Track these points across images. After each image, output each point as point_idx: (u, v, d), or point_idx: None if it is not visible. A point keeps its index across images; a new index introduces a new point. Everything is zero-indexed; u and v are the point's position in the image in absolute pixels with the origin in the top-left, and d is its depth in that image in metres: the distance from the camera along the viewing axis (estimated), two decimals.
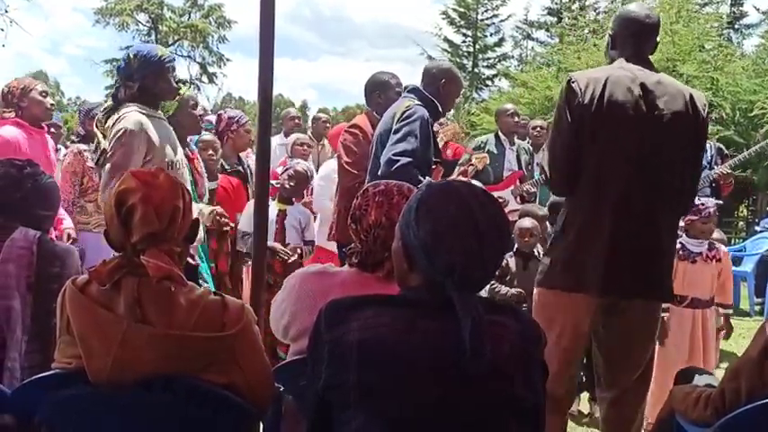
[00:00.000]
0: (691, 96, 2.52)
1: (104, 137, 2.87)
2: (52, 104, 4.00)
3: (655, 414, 2.81)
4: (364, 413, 1.29)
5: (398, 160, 3.28)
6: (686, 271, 3.57)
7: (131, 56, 2.93)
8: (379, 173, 3.36)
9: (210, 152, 3.98)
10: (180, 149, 3.09)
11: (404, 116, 3.41)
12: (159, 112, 3.06)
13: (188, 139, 3.62)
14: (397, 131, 3.39)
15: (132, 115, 2.83)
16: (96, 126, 2.95)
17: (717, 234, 4.12)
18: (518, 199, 5.38)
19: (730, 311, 3.80)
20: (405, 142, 3.33)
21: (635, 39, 2.58)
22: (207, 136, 4.05)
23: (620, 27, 2.62)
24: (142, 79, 2.91)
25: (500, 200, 5.11)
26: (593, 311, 2.54)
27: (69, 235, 3.61)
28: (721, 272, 3.70)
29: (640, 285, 2.51)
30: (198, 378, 1.58)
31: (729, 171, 5.40)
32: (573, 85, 2.49)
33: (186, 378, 1.57)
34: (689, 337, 3.60)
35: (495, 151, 5.55)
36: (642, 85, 2.46)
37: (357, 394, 1.29)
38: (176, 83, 3.03)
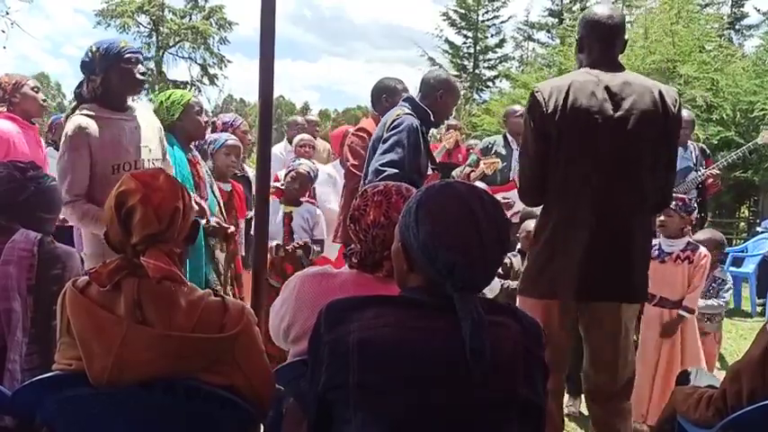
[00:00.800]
0: (660, 93, 2.51)
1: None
2: (44, 100, 3.97)
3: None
4: (365, 414, 1.29)
5: (385, 170, 3.30)
6: (655, 270, 3.53)
7: (93, 50, 2.84)
8: (366, 181, 3.39)
9: (234, 158, 3.93)
10: (153, 149, 3.00)
11: (392, 126, 3.43)
12: (130, 109, 2.95)
13: (193, 143, 3.60)
14: (385, 141, 3.41)
15: (74, 119, 2.79)
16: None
17: (705, 235, 4.10)
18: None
19: (687, 316, 3.62)
20: (392, 152, 3.35)
21: (600, 41, 2.57)
22: (232, 141, 4.01)
23: (585, 30, 2.61)
24: (104, 73, 2.82)
25: (506, 201, 5.12)
26: (568, 317, 2.57)
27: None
28: (694, 273, 3.60)
29: (613, 290, 2.52)
30: (198, 379, 1.58)
31: (716, 173, 5.37)
32: (537, 95, 2.52)
33: (187, 379, 1.57)
34: (657, 336, 3.59)
35: (503, 152, 5.55)
36: (607, 88, 2.46)
37: (357, 395, 1.29)
38: (140, 74, 2.89)
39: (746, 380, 1.82)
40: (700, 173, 5.31)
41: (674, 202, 3.62)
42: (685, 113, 5.96)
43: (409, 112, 3.51)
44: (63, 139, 2.80)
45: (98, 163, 2.78)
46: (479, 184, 5.21)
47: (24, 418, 1.68)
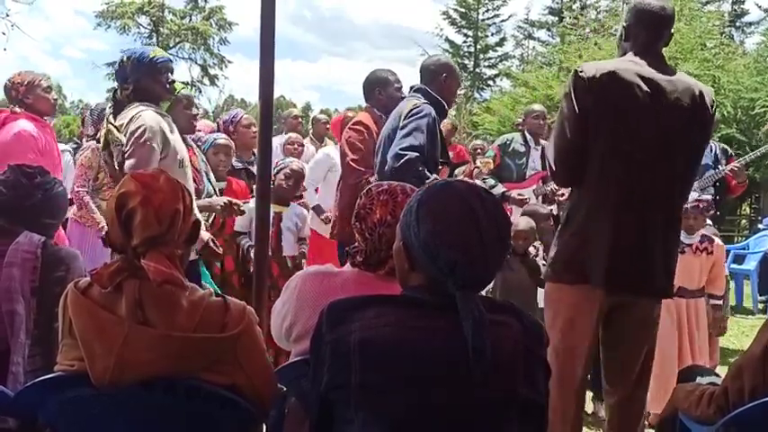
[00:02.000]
0: (700, 92, 2.49)
1: (117, 130, 2.89)
2: (55, 99, 4.00)
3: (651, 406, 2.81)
4: (366, 413, 1.29)
5: (405, 155, 3.29)
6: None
7: (125, 58, 2.96)
8: (386, 168, 3.37)
9: (222, 157, 3.96)
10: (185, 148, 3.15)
11: (411, 113, 3.42)
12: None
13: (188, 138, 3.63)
14: (404, 127, 3.40)
15: (149, 113, 2.88)
16: (108, 122, 2.96)
17: (709, 230, 4.12)
18: (540, 198, 5.38)
19: (720, 302, 3.84)
20: (411, 137, 3.35)
21: (648, 31, 2.53)
22: (221, 140, 4.03)
23: (634, 18, 2.56)
24: (136, 81, 2.94)
25: (521, 197, 5.14)
26: (599, 305, 2.51)
27: None
28: (714, 265, 3.76)
29: (643, 282, 2.49)
30: (200, 379, 1.58)
31: (740, 167, 5.38)
32: (581, 74, 2.45)
33: (188, 379, 1.57)
34: (677, 326, 3.62)
35: (521, 150, 5.56)
36: (650, 79, 2.43)
37: (359, 394, 1.29)
38: (170, 83, 3.04)
39: (748, 377, 1.82)
40: (718, 170, 5.33)
41: (701, 204, 3.66)
42: None
43: (425, 101, 3.51)
44: (137, 132, 2.83)
45: (167, 159, 2.89)
46: (495, 184, 5.28)
47: (27, 420, 1.69)
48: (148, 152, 2.83)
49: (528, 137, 5.61)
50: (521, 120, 6.11)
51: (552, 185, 5.39)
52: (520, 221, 3.90)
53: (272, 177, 4.14)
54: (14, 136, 3.63)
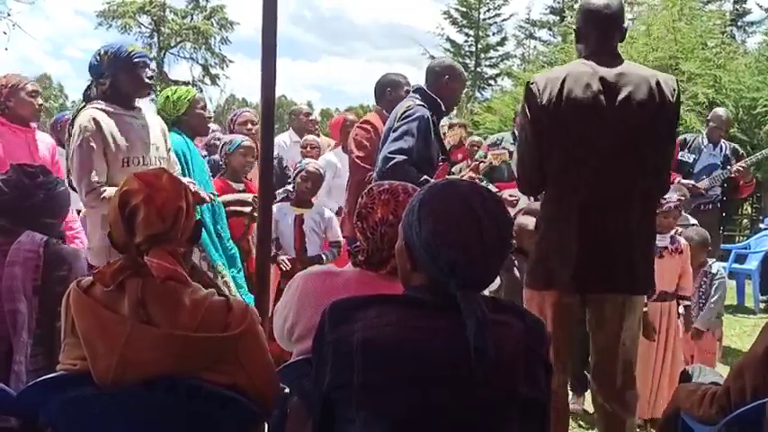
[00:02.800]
0: (657, 82, 2.49)
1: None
2: (41, 105, 3.91)
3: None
4: (368, 412, 1.29)
5: (393, 158, 3.34)
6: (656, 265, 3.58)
7: (102, 52, 2.89)
8: (375, 170, 3.44)
9: (249, 158, 3.96)
10: (160, 148, 3.03)
11: (403, 115, 3.47)
12: (138, 109, 2.99)
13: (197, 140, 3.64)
14: (395, 130, 3.44)
15: (87, 112, 2.81)
16: (68, 130, 2.91)
17: (693, 233, 4.09)
18: (532, 198, 5.36)
19: (689, 303, 3.84)
20: (401, 141, 3.39)
21: (597, 31, 2.56)
22: (247, 142, 4.01)
23: (582, 20, 2.60)
24: (113, 76, 2.87)
25: (512, 198, 5.13)
26: (567, 310, 2.56)
27: None
28: (684, 265, 3.75)
29: (613, 280, 2.51)
30: (202, 378, 1.58)
31: (746, 167, 5.37)
32: (531, 86, 2.52)
33: (191, 378, 1.57)
34: (658, 330, 3.61)
35: (512, 149, 5.56)
36: (602, 79, 2.46)
37: (361, 394, 1.29)
38: (148, 78, 2.94)
39: (750, 376, 1.82)
40: (726, 170, 5.33)
41: (674, 201, 3.65)
42: (722, 111, 5.99)
43: (420, 102, 3.54)
44: (77, 130, 2.80)
45: (108, 155, 2.82)
46: (486, 185, 5.24)
47: (29, 419, 1.69)
48: (85, 150, 2.76)
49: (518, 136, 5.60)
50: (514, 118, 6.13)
51: None
52: (528, 221, 3.87)
53: (292, 179, 4.20)
54: None
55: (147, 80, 2.93)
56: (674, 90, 2.53)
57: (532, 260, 2.65)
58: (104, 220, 2.73)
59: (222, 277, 3.39)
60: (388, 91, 4.10)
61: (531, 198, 5.27)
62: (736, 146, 5.93)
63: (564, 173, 2.50)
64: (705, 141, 5.68)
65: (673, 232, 3.76)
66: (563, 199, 2.52)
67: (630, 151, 2.47)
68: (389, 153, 3.37)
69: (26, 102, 3.75)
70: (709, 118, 5.93)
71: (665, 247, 3.67)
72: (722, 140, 5.70)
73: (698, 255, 3.97)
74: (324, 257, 4.10)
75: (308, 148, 5.60)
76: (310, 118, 6.52)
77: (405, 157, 3.33)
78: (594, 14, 2.56)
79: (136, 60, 2.88)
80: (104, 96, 2.87)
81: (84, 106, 2.89)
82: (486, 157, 5.42)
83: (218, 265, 3.39)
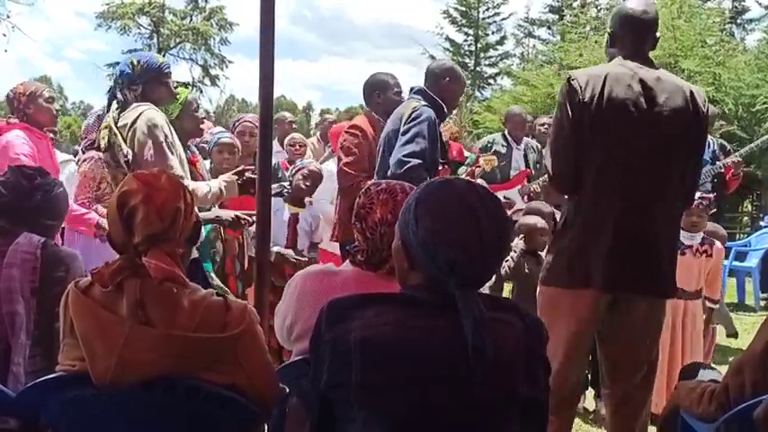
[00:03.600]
0: (691, 92, 2.52)
1: (119, 135, 2.93)
2: (57, 110, 4.01)
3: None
4: (367, 412, 1.29)
5: (409, 161, 3.30)
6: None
7: (135, 62, 3.05)
8: (388, 173, 3.37)
9: (226, 155, 3.93)
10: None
11: (411, 117, 3.43)
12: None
13: (192, 141, 3.64)
14: (405, 132, 3.40)
15: (154, 112, 2.96)
16: (110, 124, 2.99)
17: (712, 228, 4.11)
18: (525, 198, 5.38)
19: (716, 307, 3.89)
20: (413, 143, 3.35)
21: (633, 36, 2.57)
22: (225, 138, 3.99)
23: (619, 24, 2.61)
24: (144, 84, 3.02)
25: (506, 200, 5.13)
26: (599, 309, 2.53)
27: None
28: (711, 268, 3.77)
29: (645, 281, 2.50)
30: (201, 379, 1.58)
31: (737, 161, 5.39)
32: (573, 82, 2.49)
33: (190, 379, 1.57)
34: (671, 327, 3.61)
35: (503, 151, 5.59)
36: (642, 82, 2.46)
37: (359, 393, 1.29)
38: (175, 88, 3.18)
39: (749, 373, 1.82)
40: (716, 165, 5.35)
41: (704, 201, 3.67)
42: (710, 110, 6.01)
43: (425, 103, 3.52)
44: (150, 128, 2.88)
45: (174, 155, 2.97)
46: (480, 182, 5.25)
47: (28, 420, 1.69)
48: (167, 149, 2.91)
49: (509, 137, 5.63)
50: (503, 120, 6.16)
51: (536, 185, 5.40)
52: (536, 219, 3.85)
53: (291, 177, 4.17)
54: (1, 148, 3.62)
55: (173, 90, 3.18)
56: (705, 101, 2.57)
57: (563, 258, 2.56)
58: None
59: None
60: (377, 93, 4.02)
61: (526, 199, 5.33)
62: (723, 141, 5.96)
63: (604, 171, 2.47)
64: None
65: (704, 234, 3.76)
66: (603, 198, 2.48)
67: (664, 156, 2.48)
68: (404, 156, 3.33)
69: (44, 108, 3.82)
70: None
71: (690, 246, 3.68)
72: (710, 137, 5.72)
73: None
74: (312, 261, 4.09)
75: (297, 147, 5.56)
76: (293, 126, 6.51)
77: (420, 161, 3.30)
78: (633, 19, 2.57)
79: (165, 71, 3.10)
80: (137, 102, 3.00)
81: (126, 106, 3.00)
82: (477, 159, 5.43)
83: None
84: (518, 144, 5.71)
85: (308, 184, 4.11)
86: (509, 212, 4.56)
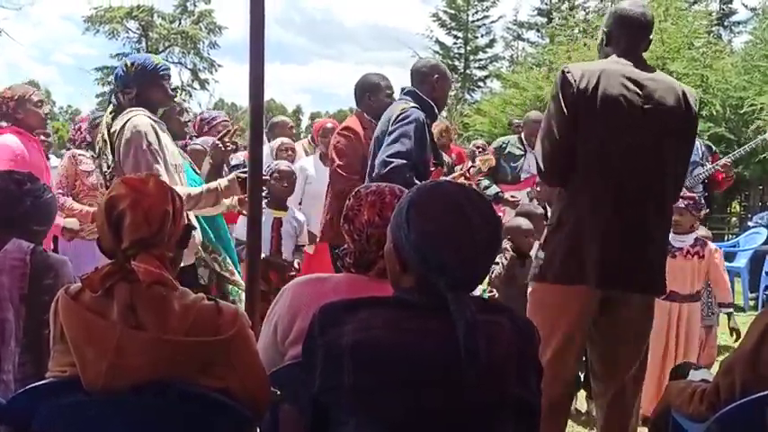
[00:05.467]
0: (683, 92, 2.55)
1: (108, 143, 2.93)
2: (47, 114, 3.99)
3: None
4: (360, 415, 1.29)
5: (393, 162, 3.30)
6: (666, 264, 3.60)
7: (129, 64, 3.00)
8: (373, 174, 3.38)
9: (285, 184, 4.02)
10: (178, 154, 3.17)
11: (399, 118, 3.43)
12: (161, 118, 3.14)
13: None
14: (391, 133, 3.40)
15: (142, 119, 2.91)
16: (105, 131, 2.98)
17: (702, 231, 4.13)
18: (534, 201, 5.40)
19: (730, 310, 3.83)
20: (398, 143, 3.35)
21: (629, 36, 2.58)
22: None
23: (615, 24, 2.62)
24: (139, 87, 2.97)
25: (514, 199, 5.17)
26: (591, 307, 2.53)
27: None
28: (709, 270, 3.72)
29: (638, 279, 2.51)
30: (193, 383, 1.58)
31: (730, 163, 5.43)
32: (568, 75, 2.49)
33: (182, 383, 1.56)
34: (665, 330, 3.62)
35: (517, 153, 5.63)
36: (636, 80, 2.48)
37: (352, 396, 1.29)
38: (173, 90, 3.13)
39: (739, 372, 1.83)
40: (706, 168, 5.39)
41: (686, 201, 3.67)
42: None
43: (414, 105, 3.51)
44: (135, 135, 2.85)
45: (161, 162, 2.92)
46: (490, 185, 5.30)
47: (19, 428, 1.68)
48: (151, 157, 2.86)
49: (525, 142, 5.67)
50: (517, 123, 6.16)
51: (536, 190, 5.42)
52: (520, 221, 3.85)
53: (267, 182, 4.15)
54: None
55: (171, 92, 3.11)
56: (696, 101, 2.60)
57: (556, 254, 2.53)
58: None
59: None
60: (368, 95, 4.03)
61: (534, 201, 5.34)
62: (710, 143, 6.00)
63: (596, 167, 2.47)
64: None
65: (696, 236, 3.75)
66: (596, 193, 2.48)
67: (655, 154, 2.49)
68: (388, 156, 3.32)
69: (33, 112, 3.80)
70: None
71: (681, 249, 3.67)
72: (697, 139, 5.76)
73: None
74: (297, 263, 4.09)
75: (287, 151, 5.53)
76: (292, 130, 6.45)
77: (404, 161, 3.30)
78: (630, 20, 2.58)
79: (162, 73, 3.03)
80: (132, 105, 2.96)
81: (121, 110, 2.97)
82: (475, 161, 5.48)
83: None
84: (533, 149, 5.73)
85: (285, 185, 4.10)
86: (514, 212, 4.56)
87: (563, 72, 2.52)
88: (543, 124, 2.60)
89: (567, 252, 2.51)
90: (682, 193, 3.55)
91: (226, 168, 4.12)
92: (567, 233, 2.52)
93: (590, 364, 2.77)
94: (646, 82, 2.49)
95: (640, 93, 2.47)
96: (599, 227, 2.46)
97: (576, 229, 2.50)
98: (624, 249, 2.46)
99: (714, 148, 5.79)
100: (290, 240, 4.11)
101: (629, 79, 2.47)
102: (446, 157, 5.48)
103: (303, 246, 4.26)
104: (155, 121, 2.99)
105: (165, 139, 3.00)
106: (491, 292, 3.67)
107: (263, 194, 4.03)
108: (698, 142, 5.60)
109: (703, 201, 5.50)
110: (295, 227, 4.15)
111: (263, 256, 3.84)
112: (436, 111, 3.66)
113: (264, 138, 4.28)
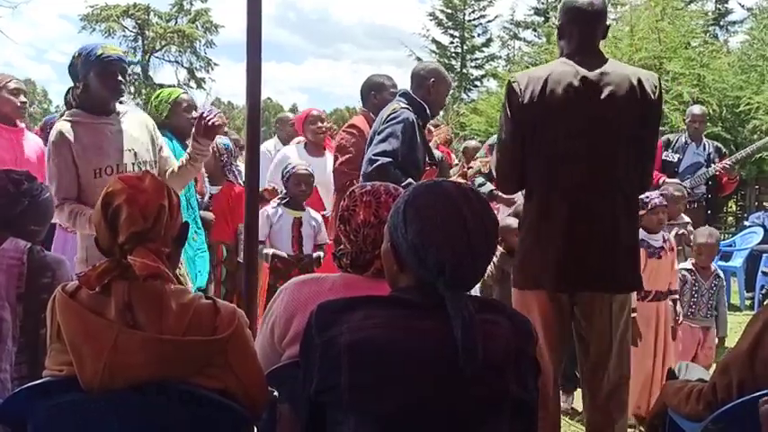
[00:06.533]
0: (639, 80, 2.51)
1: None
2: (23, 102, 3.89)
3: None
4: (357, 414, 1.29)
5: (377, 160, 3.35)
6: (653, 267, 3.63)
7: (76, 54, 2.81)
8: (361, 172, 3.43)
9: (303, 187, 4.00)
10: (139, 152, 2.93)
11: (388, 118, 3.48)
12: (115, 113, 2.90)
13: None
14: (380, 133, 3.45)
15: (56, 126, 2.81)
16: None
17: (705, 234, 4.13)
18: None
19: (676, 297, 3.88)
20: (386, 143, 3.40)
21: (580, 28, 2.57)
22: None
23: (565, 17, 2.61)
24: (84, 79, 2.80)
25: (512, 199, 5.17)
26: (557, 310, 2.56)
27: None
28: (673, 260, 3.80)
29: (602, 278, 2.52)
30: (191, 382, 1.57)
31: (731, 165, 5.44)
32: (513, 85, 2.54)
33: (179, 383, 1.56)
34: (653, 331, 3.65)
35: None
36: (584, 78, 2.48)
37: (349, 396, 1.29)
38: (122, 84, 2.83)
39: (735, 372, 1.84)
40: (710, 168, 5.40)
41: (657, 198, 3.68)
42: (697, 109, 6.10)
43: (405, 105, 3.55)
44: (48, 145, 2.82)
45: (80, 167, 2.79)
46: (484, 183, 5.30)
47: (16, 427, 1.67)
48: (56, 164, 2.77)
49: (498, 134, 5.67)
50: None
51: None
52: (510, 221, 3.90)
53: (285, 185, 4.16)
54: None
55: (117, 83, 2.79)
56: (656, 87, 2.54)
57: (518, 260, 2.64)
58: (83, 236, 2.80)
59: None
60: (373, 94, 4.12)
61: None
62: (719, 144, 6.02)
63: (548, 171, 2.50)
64: (688, 140, 5.80)
65: (664, 233, 3.78)
66: (548, 198, 2.52)
67: (613, 150, 2.49)
68: (374, 155, 3.38)
69: (6, 99, 3.74)
70: (685, 117, 6.08)
71: (662, 248, 3.69)
72: (705, 139, 5.78)
73: (713, 255, 4.07)
74: (320, 258, 4.10)
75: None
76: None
77: (389, 160, 3.34)
78: (578, 12, 2.56)
79: (106, 62, 2.76)
80: (78, 101, 2.84)
81: (62, 115, 2.87)
82: (484, 157, 5.49)
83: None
84: None
85: (303, 188, 4.12)
86: (511, 211, 4.57)
87: (509, 82, 2.57)
88: (498, 133, 2.66)
89: (524, 258, 2.59)
90: (648, 195, 3.55)
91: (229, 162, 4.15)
92: (523, 238, 2.61)
93: (579, 364, 2.77)
94: (596, 78, 2.48)
95: (589, 90, 2.47)
96: (555, 230, 2.49)
97: (531, 235, 2.57)
98: (584, 250, 2.47)
99: (723, 149, 5.80)
100: (310, 241, 4.14)
101: (578, 79, 2.47)
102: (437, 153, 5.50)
103: (324, 244, 4.25)
104: (80, 123, 2.79)
105: (87, 140, 2.78)
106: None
107: (282, 195, 4.08)
108: (706, 142, 5.63)
109: (704, 202, 5.54)
110: (314, 226, 4.17)
111: (272, 251, 3.92)
112: (428, 112, 3.67)
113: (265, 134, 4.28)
